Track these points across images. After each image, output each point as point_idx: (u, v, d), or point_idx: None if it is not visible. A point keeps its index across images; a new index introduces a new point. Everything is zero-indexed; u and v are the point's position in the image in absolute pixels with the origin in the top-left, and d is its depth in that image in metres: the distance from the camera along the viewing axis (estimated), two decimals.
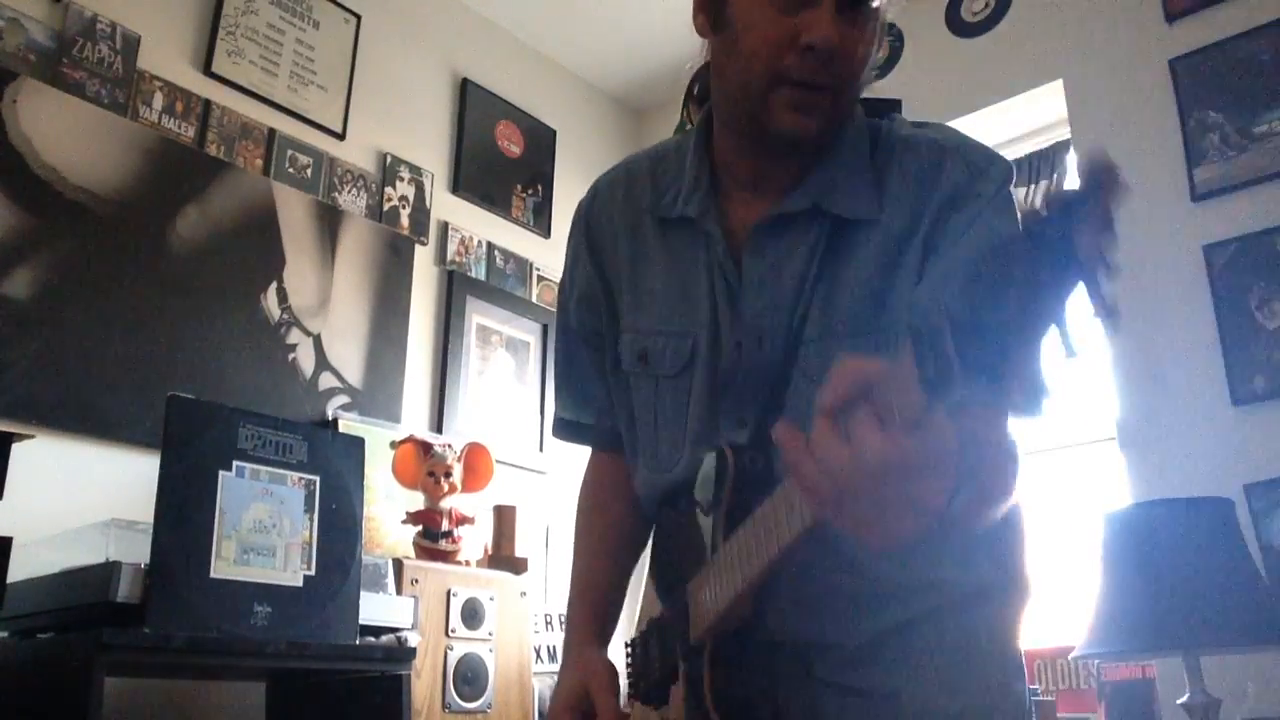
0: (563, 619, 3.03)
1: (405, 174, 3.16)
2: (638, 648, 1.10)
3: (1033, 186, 3.12)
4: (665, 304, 1.05)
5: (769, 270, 0.98)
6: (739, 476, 0.90)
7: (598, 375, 1.15)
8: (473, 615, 2.39)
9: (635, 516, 1.17)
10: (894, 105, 1.28)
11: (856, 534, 0.63)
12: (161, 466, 1.68)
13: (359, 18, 3.11)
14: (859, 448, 0.58)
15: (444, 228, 3.24)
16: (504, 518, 2.70)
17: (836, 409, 0.60)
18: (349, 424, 2.73)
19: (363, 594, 1.89)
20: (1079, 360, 0.50)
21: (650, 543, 1.15)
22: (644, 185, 1.10)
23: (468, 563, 2.56)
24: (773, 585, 0.87)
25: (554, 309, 3.51)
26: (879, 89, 1.11)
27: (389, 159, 3.12)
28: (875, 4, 0.94)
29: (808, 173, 0.99)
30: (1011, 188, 0.97)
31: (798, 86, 0.92)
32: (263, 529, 1.75)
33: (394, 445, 2.65)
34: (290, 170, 2.83)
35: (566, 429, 1.20)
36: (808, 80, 0.92)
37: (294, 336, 2.73)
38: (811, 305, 0.96)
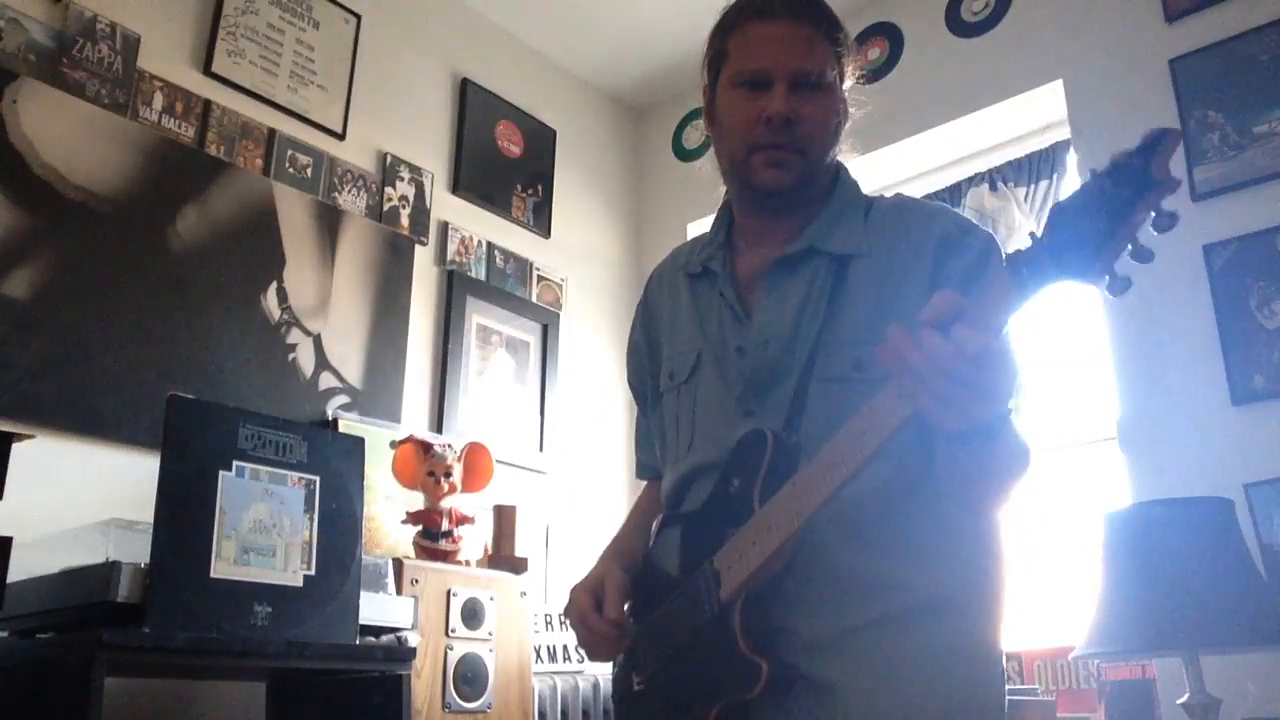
0: (563, 619, 3.03)
1: (405, 174, 3.16)
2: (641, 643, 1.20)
3: (1032, 186, 3.12)
4: (686, 333, 1.30)
5: (776, 299, 1.20)
6: (777, 450, 1.06)
7: (646, 423, 1.41)
8: (473, 615, 2.39)
9: (656, 502, 1.36)
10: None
11: (941, 415, 0.86)
12: (161, 466, 1.68)
13: (359, 18, 3.11)
14: (959, 339, 0.83)
15: (444, 228, 3.24)
16: (504, 518, 2.70)
17: (934, 322, 0.85)
18: (349, 424, 2.73)
19: (363, 594, 1.89)
20: (1150, 264, 0.75)
21: (653, 546, 1.26)
22: (685, 255, 1.38)
23: (468, 563, 2.56)
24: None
25: (554, 309, 3.55)
26: (880, 88, 1.24)
27: (389, 159, 3.12)
28: (826, 82, 1.19)
29: (805, 227, 1.22)
30: (997, 253, 1.17)
31: (767, 150, 1.18)
32: (263, 529, 1.75)
33: (394, 445, 2.65)
34: (290, 170, 2.83)
35: (638, 468, 1.47)
36: (773, 144, 1.18)
37: (294, 336, 2.73)
38: (823, 319, 1.15)
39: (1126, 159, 0.73)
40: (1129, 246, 0.75)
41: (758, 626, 1.03)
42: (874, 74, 3.38)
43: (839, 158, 1.28)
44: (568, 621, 1.28)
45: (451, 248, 3.25)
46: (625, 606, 1.21)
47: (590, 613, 1.21)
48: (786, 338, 1.16)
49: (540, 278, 3.52)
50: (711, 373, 1.23)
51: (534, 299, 3.47)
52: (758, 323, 1.19)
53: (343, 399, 2.80)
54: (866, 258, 1.18)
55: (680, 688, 1.11)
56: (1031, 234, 0.81)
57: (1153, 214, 0.73)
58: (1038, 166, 3.12)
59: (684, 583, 1.12)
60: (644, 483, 1.48)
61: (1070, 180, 3.05)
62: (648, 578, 1.23)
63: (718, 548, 1.07)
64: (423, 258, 3.16)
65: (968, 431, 0.89)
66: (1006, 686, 1.14)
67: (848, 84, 1.26)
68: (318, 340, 2.79)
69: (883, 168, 3.33)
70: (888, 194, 1.31)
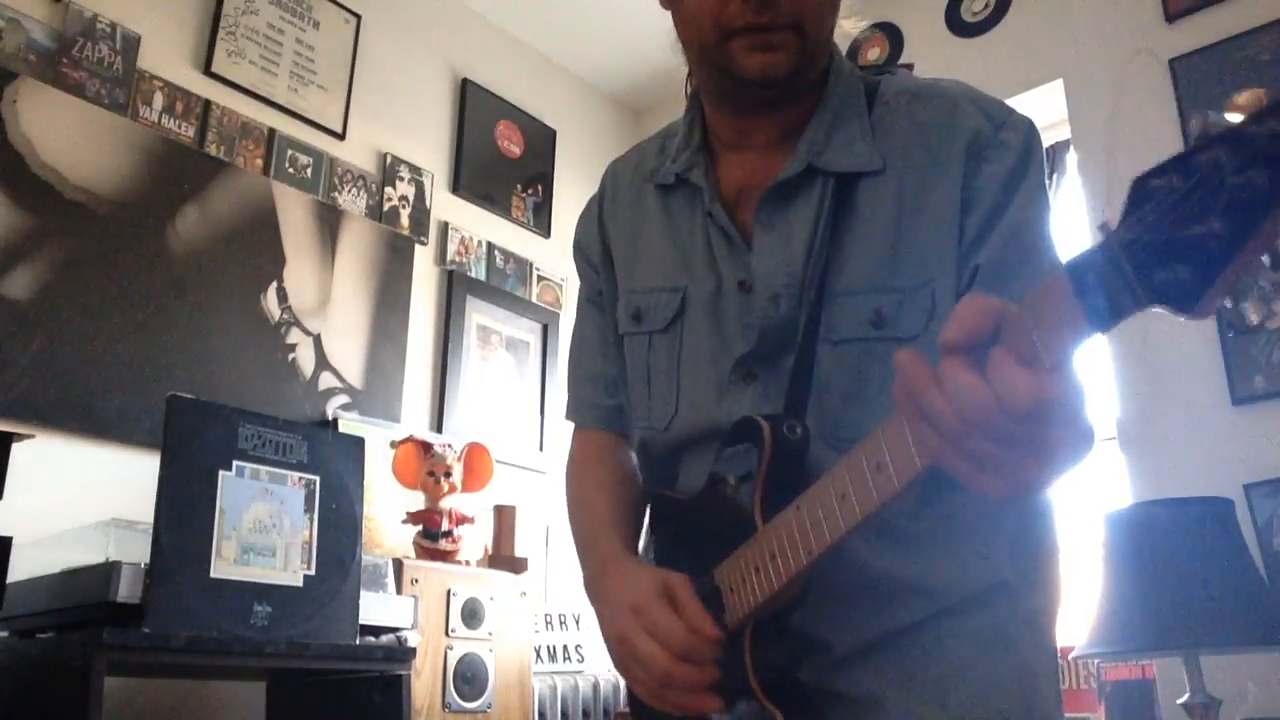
0: (563, 619, 3.03)
1: (405, 174, 3.16)
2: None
3: None
4: (659, 262, 1.05)
5: (778, 237, 0.95)
6: (778, 448, 0.85)
7: (601, 345, 1.14)
8: (473, 615, 2.39)
9: (633, 477, 1.11)
10: (907, 69, 1.24)
11: (975, 480, 0.61)
12: (161, 466, 1.68)
13: (359, 18, 3.11)
14: (1003, 385, 0.55)
15: (444, 228, 3.24)
16: (504, 518, 2.70)
17: (964, 346, 0.58)
18: (349, 424, 2.73)
19: (363, 594, 1.89)
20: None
21: (648, 528, 1.08)
22: (651, 158, 1.11)
23: (468, 563, 2.56)
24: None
25: (554, 309, 3.54)
26: None
27: (389, 159, 3.12)
28: None
29: (793, 127, 0.97)
30: (1038, 147, 0.94)
31: (749, 32, 0.90)
32: (263, 529, 1.75)
33: (394, 445, 2.65)
34: (290, 170, 2.83)
35: (575, 408, 1.18)
36: (754, 24, 0.90)
37: (294, 336, 2.73)
38: (825, 265, 0.92)
39: (1262, 123, 0.45)
40: (1265, 257, 0.47)
41: (770, 662, 0.85)
42: (881, 70, 3.37)
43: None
44: (625, 673, 0.92)
45: (451, 248, 3.25)
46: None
47: (680, 632, 0.85)
48: (797, 289, 0.93)
49: (540, 278, 3.52)
50: (700, 321, 0.99)
51: (534, 299, 3.47)
52: (764, 270, 0.95)
53: (343, 399, 2.80)
54: (877, 175, 0.93)
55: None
56: (1104, 227, 0.52)
57: None
58: None
59: None
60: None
61: (1070, 180, 3.05)
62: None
63: (717, 554, 0.88)
64: (423, 258, 3.16)
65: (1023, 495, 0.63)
66: (1060, 686, 0.96)
67: None
68: (318, 340, 2.79)
69: None
70: None
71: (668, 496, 1.03)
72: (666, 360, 1.02)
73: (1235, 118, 0.47)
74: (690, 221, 1.03)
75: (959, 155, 0.91)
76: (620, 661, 0.92)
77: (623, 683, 1.01)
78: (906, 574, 0.90)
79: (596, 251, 1.14)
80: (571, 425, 1.19)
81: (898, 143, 0.94)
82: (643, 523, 1.08)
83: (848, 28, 1.03)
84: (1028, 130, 0.94)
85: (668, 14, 1.03)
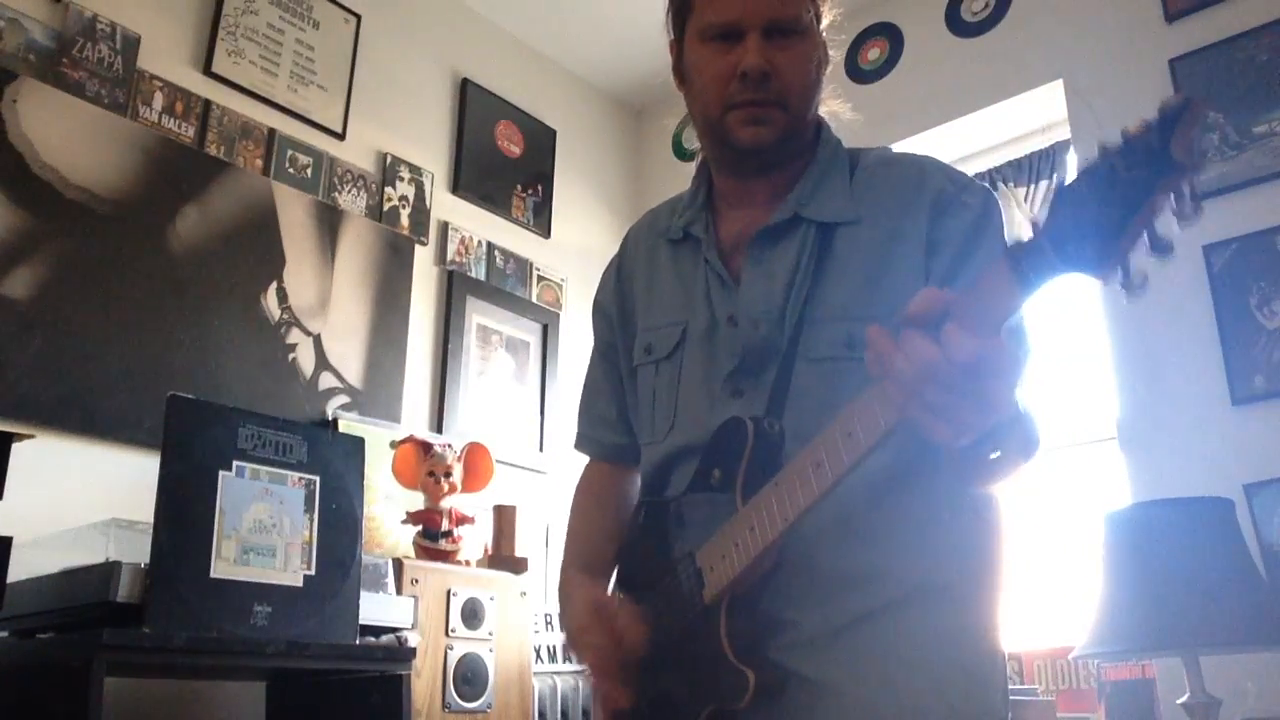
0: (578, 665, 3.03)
1: (405, 174, 3.16)
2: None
3: (1032, 186, 3.12)
4: (668, 303, 1.21)
5: (763, 273, 1.11)
6: (758, 439, 0.99)
7: (609, 391, 1.31)
8: (473, 615, 2.39)
9: (619, 500, 1.29)
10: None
11: (932, 426, 0.77)
12: (161, 466, 1.68)
13: (359, 18, 3.11)
14: (949, 346, 0.74)
15: (444, 228, 3.24)
16: (504, 518, 2.70)
17: (918, 321, 0.76)
18: (349, 424, 2.73)
19: (363, 594, 1.89)
20: (1170, 260, 0.66)
21: (627, 531, 1.22)
22: (663, 219, 1.29)
23: (468, 563, 2.56)
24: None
25: (554, 309, 3.55)
26: (880, 88, 1.20)
27: (389, 159, 3.12)
28: (801, 26, 1.10)
29: (785, 187, 1.14)
30: (997, 210, 1.10)
31: (743, 106, 1.09)
32: (263, 529, 1.75)
33: (394, 445, 2.65)
34: (290, 170, 2.83)
35: (580, 440, 1.36)
36: (750, 100, 1.08)
37: (294, 336, 2.73)
38: (806, 295, 1.08)
39: (1142, 135, 0.64)
40: (1145, 237, 0.65)
41: (744, 630, 0.97)
42: (874, 74, 3.38)
43: (820, 109, 1.18)
44: (575, 652, 1.15)
45: (451, 248, 3.25)
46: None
47: (609, 646, 1.07)
48: (776, 316, 1.09)
49: (540, 278, 3.52)
50: (697, 349, 1.15)
51: (534, 299, 3.47)
52: (748, 301, 1.11)
53: (343, 399, 2.80)
54: (854, 225, 1.10)
55: (666, 692, 1.05)
56: (1034, 222, 0.71)
57: (1173, 200, 0.64)
58: (1038, 166, 3.12)
59: (666, 579, 1.05)
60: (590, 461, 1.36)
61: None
62: (631, 568, 1.16)
63: (699, 541, 1.01)
64: (423, 258, 3.16)
65: (968, 441, 0.80)
66: (1008, 678, 1.08)
67: (825, 23, 1.16)
68: (318, 340, 2.79)
69: None
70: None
71: (655, 501, 1.16)
72: (668, 382, 1.17)
73: (1121, 135, 0.66)
74: (693, 268, 1.19)
75: (925, 208, 1.08)
76: (574, 649, 1.14)
77: None
78: (863, 563, 1.02)
79: (614, 306, 1.31)
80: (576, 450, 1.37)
81: (873, 200, 1.11)
82: (614, 541, 1.24)
83: (836, 108, 1.21)
84: (985, 194, 1.11)
85: (667, 15, 1.20)
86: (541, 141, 3.68)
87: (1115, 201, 0.65)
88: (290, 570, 1.77)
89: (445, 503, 2.58)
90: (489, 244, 3.38)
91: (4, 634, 1.79)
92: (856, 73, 3.38)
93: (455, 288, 3.20)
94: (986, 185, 1.12)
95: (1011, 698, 2.39)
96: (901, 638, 1.00)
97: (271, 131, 2.81)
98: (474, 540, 2.64)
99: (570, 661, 2.94)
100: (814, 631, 1.01)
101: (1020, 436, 0.89)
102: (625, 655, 1.05)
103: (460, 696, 2.30)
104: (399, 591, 2.18)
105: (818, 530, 1.00)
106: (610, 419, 1.30)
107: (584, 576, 1.20)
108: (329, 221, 2.89)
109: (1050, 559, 2.80)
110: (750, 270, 1.12)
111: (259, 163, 2.76)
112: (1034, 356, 0.99)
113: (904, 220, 1.08)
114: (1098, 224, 0.66)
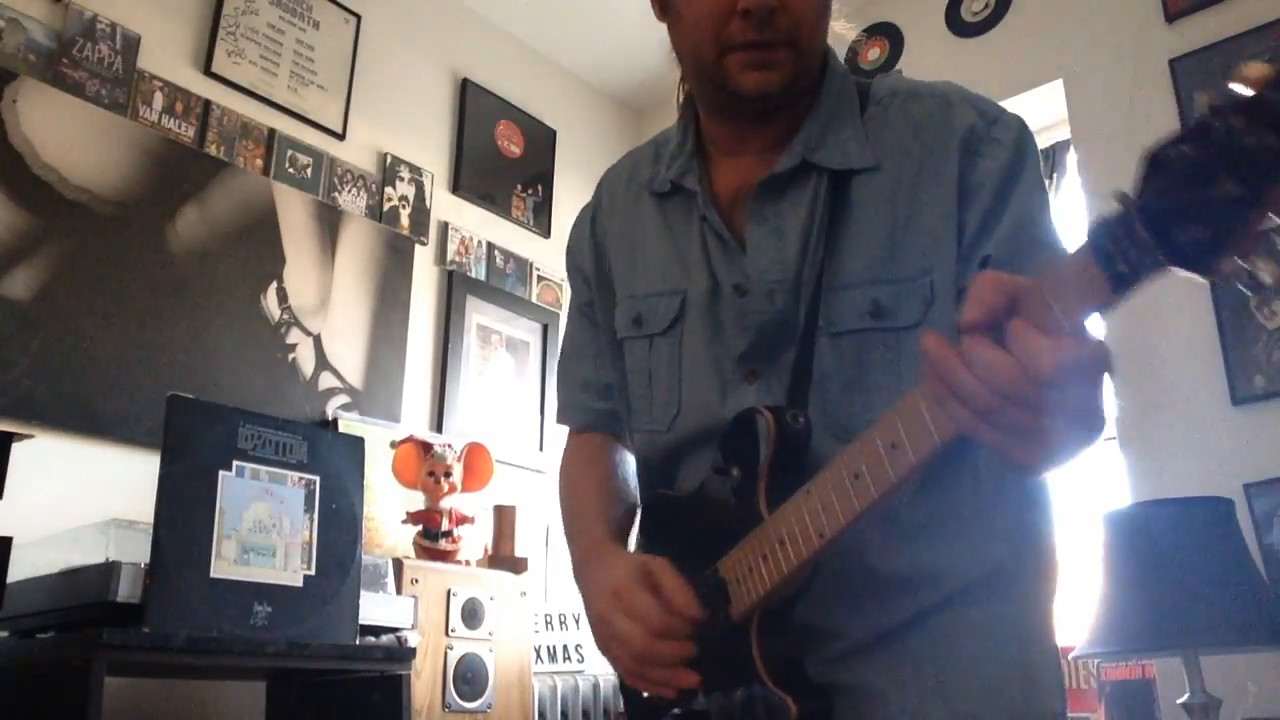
0: (563, 619, 3.03)
1: (405, 174, 3.16)
2: None
3: None
4: (659, 267, 1.06)
5: (771, 232, 0.97)
6: (782, 438, 0.86)
7: (592, 354, 1.17)
8: (473, 615, 2.39)
9: (624, 473, 1.14)
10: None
11: (1008, 450, 0.63)
12: (161, 466, 1.68)
13: (359, 18, 3.11)
14: (1024, 353, 0.58)
15: (444, 228, 3.24)
16: (504, 518, 2.70)
17: (982, 325, 0.61)
18: (349, 424, 2.73)
19: (363, 594, 1.89)
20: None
21: (640, 528, 1.09)
22: (645, 166, 1.13)
23: (468, 563, 2.56)
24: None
25: (554, 309, 3.54)
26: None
27: (389, 159, 3.12)
28: None
29: (788, 131, 0.99)
30: (1033, 145, 0.97)
31: (747, 49, 0.93)
32: (263, 529, 1.75)
33: (394, 445, 2.65)
34: (290, 170, 2.83)
35: (563, 411, 1.21)
36: (753, 41, 0.92)
37: (294, 336, 2.73)
38: (822, 259, 0.94)
39: (1274, 88, 0.48)
40: (1274, 219, 0.50)
41: (779, 651, 0.86)
42: (874, 74, 3.38)
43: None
44: (606, 652, 0.95)
45: (451, 247, 3.25)
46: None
47: (656, 611, 0.87)
48: (791, 284, 0.94)
49: (540, 278, 3.52)
50: (700, 323, 1.00)
51: (534, 299, 3.47)
52: (757, 268, 0.96)
53: (343, 399, 2.80)
54: (872, 172, 0.95)
55: (703, 710, 0.90)
56: (1122, 195, 0.55)
57: None
58: None
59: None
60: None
61: (1070, 180, 3.05)
62: None
63: (719, 547, 0.89)
64: (423, 258, 3.16)
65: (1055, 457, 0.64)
66: (1063, 676, 0.96)
67: None
68: (318, 340, 2.79)
69: None
70: None
71: (666, 496, 1.04)
72: (668, 362, 1.03)
73: (1240, 88, 0.49)
74: (687, 226, 1.04)
75: (954, 150, 0.93)
76: (601, 642, 0.95)
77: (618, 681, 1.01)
78: (909, 564, 0.91)
79: (589, 261, 1.16)
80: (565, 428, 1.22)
81: (892, 140, 0.96)
82: (633, 515, 1.09)
83: (840, 30, 1.04)
84: (1020, 127, 0.96)
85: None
86: (541, 141, 3.68)
87: (1237, 175, 0.49)
88: (290, 570, 1.77)
89: (445, 503, 2.58)
90: (489, 244, 3.38)
91: (4, 634, 1.79)
92: (857, 73, 3.37)
93: (455, 287, 3.20)
94: (1019, 115, 0.97)
95: None
96: (951, 638, 0.90)
97: (271, 131, 2.81)
98: (474, 540, 2.64)
99: (570, 661, 2.94)
100: (858, 639, 0.92)
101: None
102: (676, 622, 0.86)
103: (460, 696, 2.30)
104: (399, 591, 2.18)
105: (858, 531, 0.85)
106: (600, 383, 1.15)
107: (607, 543, 1.02)
108: (329, 221, 2.89)
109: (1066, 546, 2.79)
110: (756, 229, 0.97)
111: (259, 163, 2.76)
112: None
113: (930, 165, 0.93)
114: (1211, 205, 0.50)
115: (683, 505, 1.00)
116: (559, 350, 1.24)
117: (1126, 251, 0.54)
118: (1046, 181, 1.02)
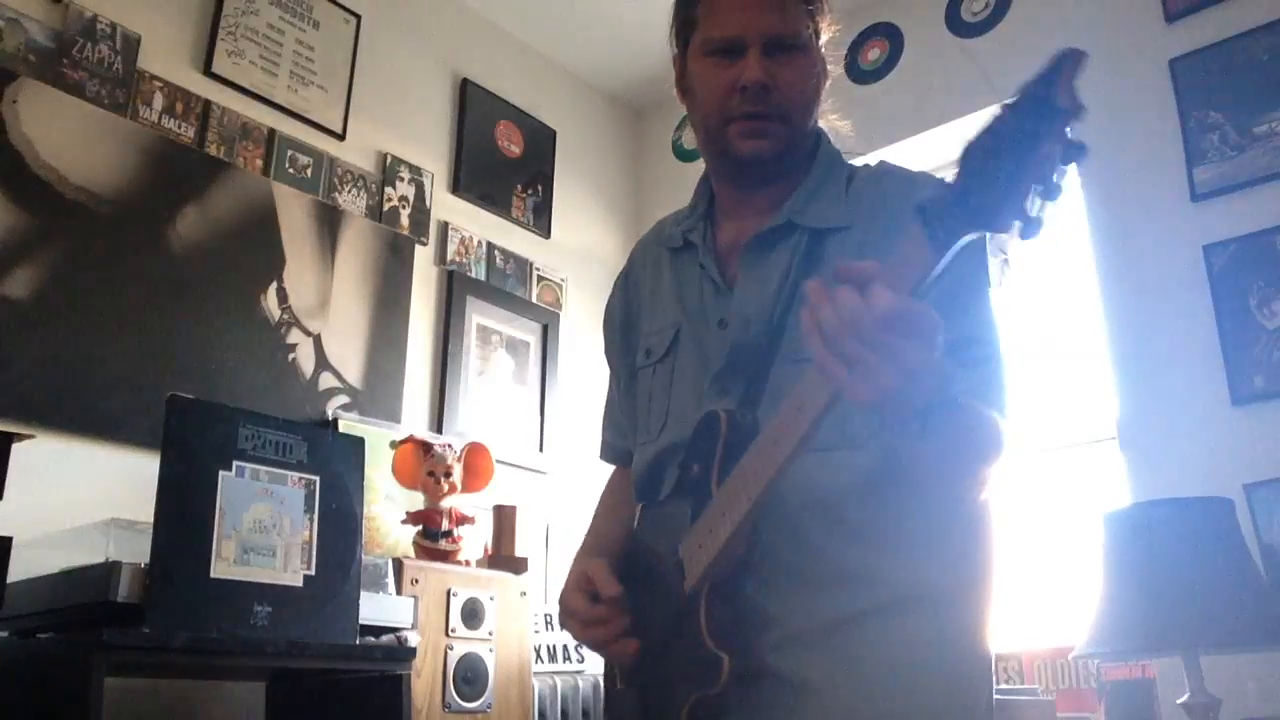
0: (562, 626, 3.03)
1: (405, 174, 3.16)
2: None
3: None
4: (666, 308, 1.24)
5: (756, 278, 1.14)
6: (731, 430, 1.02)
7: (619, 404, 1.34)
8: (473, 615, 2.39)
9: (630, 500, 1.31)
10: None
11: (850, 385, 0.78)
12: (161, 466, 1.68)
13: (359, 18, 3.11)
14: (872, 299, 0.76)
15: (444, 228, 3.24)
16: (504, 518, 2.70)
17: (847, 278, 0.78)
18: (349, 424, 2.73)
19: (363, 594, 1.89)
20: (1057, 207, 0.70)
21: (628, 539, 1.22)
22: (668, 228, 1.32)
23: (468, 563, 2.56)
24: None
25: (554, 309, 3.55)
26: (880, 88, 1.19)
27: (389, 159, 3.12)
28: (801, 42, 1.13)
29: (782, 198, 1.16)
30: None
31: (745, 119, 1.12)
32: (263, 529, 1.75)
33: (394, 445, 2.65)
34: (290, 170, 2.83)
35: (602, 449, 1.40)
36: (750, 113, 1.12)
37: (294, 336, 2.73)
38: (793, 298, 1.09)
39: (1032, 87, 0.69)
40: (1038, 185, 0.68)
41: (723, 617, 0.98)
42: (874, 74, 3.38)
43: (820, 122, 1.21)
44: (567, 631, 1.17)
45: (451, 248, 3.25)
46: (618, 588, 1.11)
47: (586, 606, 1.10)
48: (767, 318, 1.11)
49: (540, 278, 3.52)
50: (690, 350, 1.18)
51: (534, 299, 3.47)
52: (740, 304, 1.13)
53: (343, 399, 2.80)
54: (845, 231, 1.12)
55: (654, 684, 1.06)
56: (943, 182, 0.74)
57: (1059, 146, 0.67)
58: None
59: (654, 576, 1.07)
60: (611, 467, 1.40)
61: (1070, 180, 3.05)
62: (628, 572, 1.15)
63: (684, 536, 1.03)
64: (423, 258, 3.16)
65: (886, 406, 0.81)
66: (995, 687, 1.07)
67: (825, 39, 1.18)
68: (318, 340, 2.79)
69: None
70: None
71: (649, 504, 1.18)
72: (663, 383, 1.20)
73: (1015, 89, 0.70)
74: (690, 274, 1.23)
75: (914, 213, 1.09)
76: (572, 634, 1.16)
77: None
78: (852, 561, 1.03)
79: (619, 315, 1.35)
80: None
81: (865, 207, 1.13)
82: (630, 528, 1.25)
83: (837, 124, 1.23)
84: None
85: (667, 14, 1.23)
86: (541, 141, 3.68)
87: (1011, 153, 0.69)
88: (290, 570, 1.77)
89: (445, 503, 2.58)
90: (489, 244, 3.38)
91: (4, 634, 1.79)
92: (857, 73, 3.38)
93: (455, 288, 3.20)
94: None
95: (1012, 698, 2.39)
96: (886, 643, 1.00)
97: (271, 131, 2.81)
98: (474, 540, 2.64)
99: (570, 661, 2.94)
100: (799, 628, 1.01)
101: (973, 426, 0.92)
102: (601, 610, 1.07)
103: (460, 696, 2.30)
104: (399, 591, 2.18)
105: (806, 525, 1.02)
106: (625, 426, 1.34)
107: (584, 556, 1.22)
108: (329, 221, 2.89)
109: (1050, 559, 2.80)
110: (744, 275, 1.15)
111: (259, 163, 2.76)
112: (1005, 366, 1.03)
113: (891, 226, 1.06)
114: (997, 176, 0.69)
115: (661, 507, 1.15)
116: (563, 355, 1.35)
117: (943, 218, 0.73)
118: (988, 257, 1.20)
